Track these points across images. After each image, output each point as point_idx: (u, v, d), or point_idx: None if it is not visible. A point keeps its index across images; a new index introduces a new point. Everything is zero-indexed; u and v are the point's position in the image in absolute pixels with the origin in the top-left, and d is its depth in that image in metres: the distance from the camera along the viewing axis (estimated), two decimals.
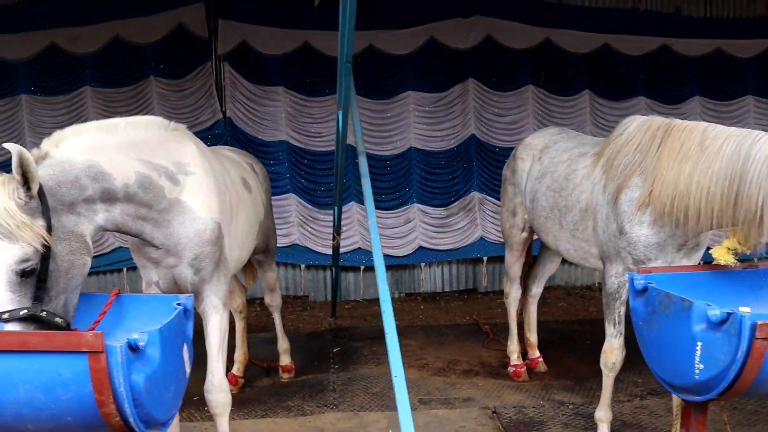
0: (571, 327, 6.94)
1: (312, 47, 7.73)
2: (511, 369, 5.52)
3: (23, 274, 2.44)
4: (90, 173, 2.80)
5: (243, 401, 4.99)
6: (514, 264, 5.35)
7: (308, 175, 7.86)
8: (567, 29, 7.96)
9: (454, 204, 8.01)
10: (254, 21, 7.64)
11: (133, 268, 8.08)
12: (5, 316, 2.40)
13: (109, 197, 2.88)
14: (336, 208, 5.25)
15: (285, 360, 5.59)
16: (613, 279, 3.83)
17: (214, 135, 7.74)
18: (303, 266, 8.02)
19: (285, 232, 7.75)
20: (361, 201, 7.93)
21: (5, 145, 2.58)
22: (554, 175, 4.41)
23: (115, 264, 7.93)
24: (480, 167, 8.06)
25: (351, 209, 7.89)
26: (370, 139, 7.87)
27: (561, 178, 4.32)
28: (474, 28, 7.87)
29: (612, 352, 3.99)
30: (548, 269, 5.56)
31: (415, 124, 7.93)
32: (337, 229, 5.30)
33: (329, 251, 7.84)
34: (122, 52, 7.65)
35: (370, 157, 7.89)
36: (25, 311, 2.41)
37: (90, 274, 7.91)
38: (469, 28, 7.87)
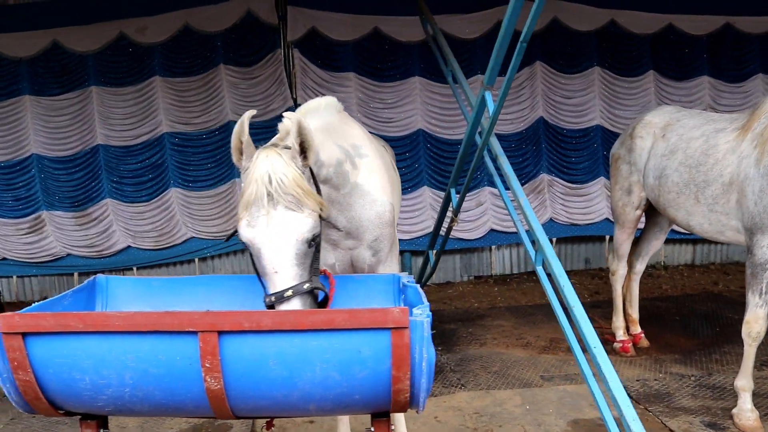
0: (654, 304, 7.03)
1: (382, 32, 7.71)
2: (617, 345, 5.60)
3: (310, 244, 2.37)
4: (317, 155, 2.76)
5: None
6: (624, 242, 5.41)
7: None
8: (632, 10, 7.99)
9: (524, 186, 8.05)
10: (323, 7, 7.62)
11: (204, 259, 8.10)
12: (289, 292, 2.30)
13: (322, 180, 2.85)
14: (454, 191, 5.29)
15: None
16: (765, 249, 3.90)
17: None
18: None
19: None
20: (433, 185, 7.97)
21: (285, 114, 2.51)
22: (687, 151, 4.47)
23: (186, 255, 7.93)
24: (548, 149, 8.11)
25: (423, 194, 7.92)
26: (440, 123, 7.90)
27: (697, 153, 4.37)
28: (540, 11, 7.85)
29: (756, 322, 4.06)
30: (653, 246, 5.63)
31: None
32: (456, 211, 5.33)
33: (402, 236, 7.89)
34: (191, 41, 7.62)
35: (440, 141, 7.95)
36: (308, 284, 2.32)
37: (160, 265, 8.02)
38: None
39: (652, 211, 5.42)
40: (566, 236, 8.30)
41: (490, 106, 4.13)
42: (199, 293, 3.04)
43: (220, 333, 2.10)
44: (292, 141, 2.42)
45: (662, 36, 8.12)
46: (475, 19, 7.83)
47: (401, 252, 8.15)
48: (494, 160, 4.59)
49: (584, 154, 8.09)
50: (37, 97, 7.48)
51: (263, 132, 7.75)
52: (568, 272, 8.83)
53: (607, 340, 5.79)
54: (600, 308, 6.74)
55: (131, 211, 7.71)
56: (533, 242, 4.37)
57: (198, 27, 7.57)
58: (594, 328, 6.28)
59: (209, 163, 7.74)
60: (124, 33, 7.50)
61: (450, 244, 8.15)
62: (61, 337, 2.15)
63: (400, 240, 7.91)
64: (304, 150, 2.44)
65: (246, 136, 2.45)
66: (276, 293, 2.30)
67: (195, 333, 2.10)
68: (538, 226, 3.96)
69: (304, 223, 2.33)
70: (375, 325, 2.09)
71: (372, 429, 2.52)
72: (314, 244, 2.39)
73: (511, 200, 4.79)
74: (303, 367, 2.11)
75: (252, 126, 8.24)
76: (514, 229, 8.13)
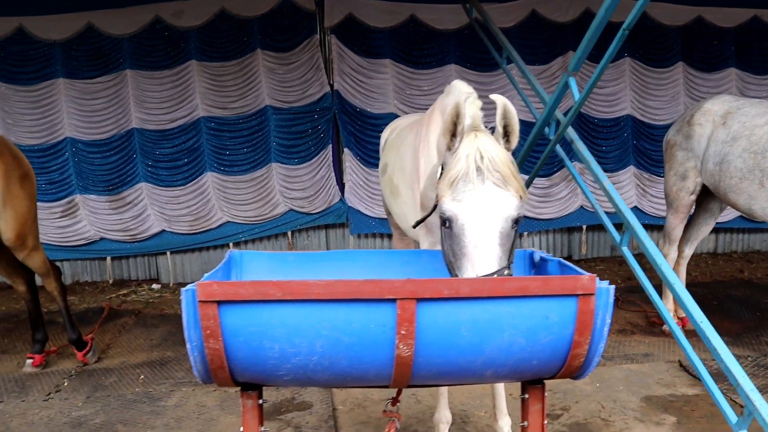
0: (690, 289, 7.05)
1: (419, 20, 7.76)
2: (666, 327, 5.76)
3: (513, 225, 2.32)
4: None
5: None
6: (677, 226, 5.56)
7: None
8: (662, 2, 8.14)
9: (557, 174, 8.19)
10: None
11: (237, 243, 8.10)
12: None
13: None
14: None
15: None
16: None
17: (322, 108, 7.75)
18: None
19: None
20: None
21: (492, 96, 2.47)
22: (752, 138, 4.62)
23: (221, 239, 7.92)
24: (580, 138, 8.21)
25: None
26: None
27: (763, 140, 4.52)
28: (574, 1, 7.99)
29: None
30: (702, 232, 5.79)
31: (517, 96, 8.03)
32: None
33: None
34: (228, 26, 7.61)
35: None
36: (507, 271, 2.28)
37: (193, 249, 7.99)
38: (569, 1, 7.98)
39: (702, 197, 5.57)
40: (594, 224, 8.44)
41: (575, 92, 4.21)
42: (333, 268, 3.08)
43: (418, 300, 2.16)
44: (497, 123, 2.42)
45: (692, 28, 8.28)
46: (511, 8, 7.91)
47: None
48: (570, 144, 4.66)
49: (615, 143, 8.24)
50: (72, 80, 7.41)
51: (301, 116, 7.82)
52: (595, 259, 9.01)
53: (654, 323, 5.95)
54: (637, 293, 6.89)
55: (166, 195, 7.68)
56: (617, 226, 4.47)
57: (234, 12, 7.55)
58: (634, 311, 6.48)
59: (245, 147, 7.74)
60: (159, 16, 7.46)
61: None
62: (256, 305, 2.18)
63: None
64: (507, 134, 2.43)
65: (464, 120, 2.40)
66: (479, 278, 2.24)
67: (393, 301, 2.15)
68: (625, 208, 4.05)
69: (510, 201, 2.30)
70: (565, 292, 2.16)
71: (526, 396, 2.60)
72: (516, 227, 2.38)
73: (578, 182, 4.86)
74: (493, 333, 2.17)
75: (289, 111, 8.25)
76: (545, 216, 8.29)
